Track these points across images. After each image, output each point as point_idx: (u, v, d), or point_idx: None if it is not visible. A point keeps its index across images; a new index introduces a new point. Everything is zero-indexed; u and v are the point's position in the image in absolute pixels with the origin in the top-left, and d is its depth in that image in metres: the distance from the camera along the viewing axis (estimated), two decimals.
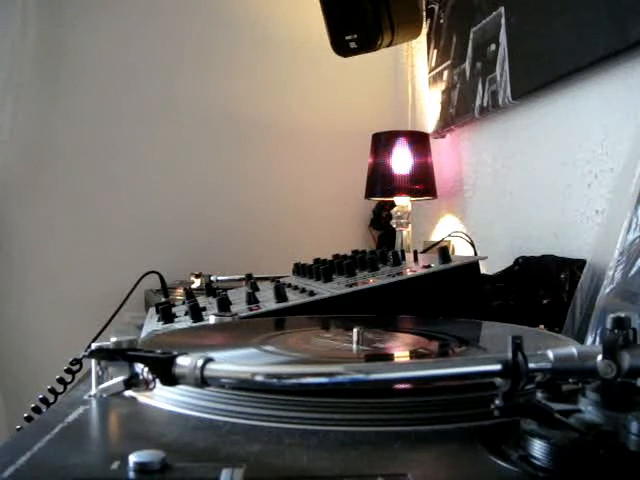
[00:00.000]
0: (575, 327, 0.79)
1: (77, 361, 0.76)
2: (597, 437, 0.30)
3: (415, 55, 1.86)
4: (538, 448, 0.31)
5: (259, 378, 0.35)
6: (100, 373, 0.43)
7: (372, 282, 0.79)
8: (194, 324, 0.73)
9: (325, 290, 0.79)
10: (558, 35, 1.04)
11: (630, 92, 0.92)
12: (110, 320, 1.05)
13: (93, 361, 0.43)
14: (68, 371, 0.76)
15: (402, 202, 1.56)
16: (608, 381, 0.33)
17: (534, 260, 1.02)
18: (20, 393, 1.60)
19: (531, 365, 0.33)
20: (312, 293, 0.78)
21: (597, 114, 1.01)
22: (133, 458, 0.30)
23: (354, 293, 0.76)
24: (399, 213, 1.55)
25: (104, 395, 0.42)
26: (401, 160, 1.54)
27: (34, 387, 0.78)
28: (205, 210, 1.87)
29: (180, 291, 1.27)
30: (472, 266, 0.81)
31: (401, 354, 0.55)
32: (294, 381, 0.35)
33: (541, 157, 1.18)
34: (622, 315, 0.34)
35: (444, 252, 0.80)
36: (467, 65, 1.41)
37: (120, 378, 0.41)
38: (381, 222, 1.88)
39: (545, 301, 0.92)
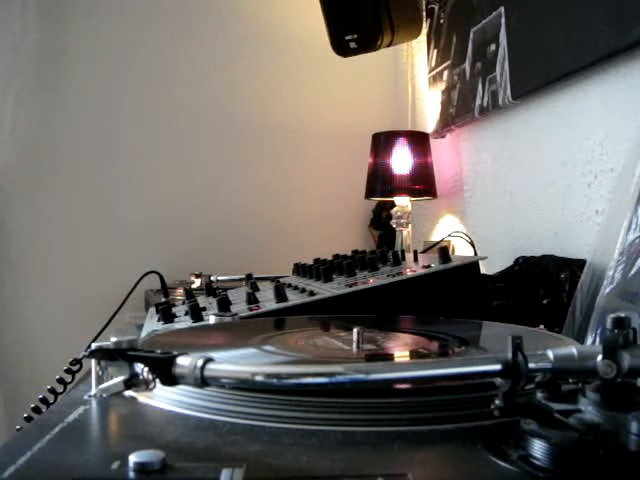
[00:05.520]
0: (575, 327, 0.79)
1: (77, 361, 0.76)
2: (597, 437, 0.30)
3: (415, 55, 1.86)
4: (538, 448, 0.31)
5: (259, 378, 0.35)
6: (100, 373, 0.43)
7: (372, 282, 0.79)
8: (194, 324, 0.73)
9: (325, 290, 0.79)
10: (558, 35, 1.04)
11: (630, 92, 0.92)
12: (110, 320, 1.05)
13: (93, 361, 0.43)
14: (68, 371, 0.76)
15: (402, 202, 1.56)
16: (608, 381, 0.33)
17: (534, 260, 1.02)
18: (20, 393, 1.60)
19: (531, 365, 0.33)
20: (312, 293, 0.78)
21: (597, 114, 1.01)
22: (133, 458, 0.30)
23: (354, 293, 0.76)
24: (399, 213, 1.55)
25: (104, 395, 0.42)
26: (401, 160, 1.54)
27: (34, 387, 0.78)
28: (205, 210, 1.87)
29: (180, 291, 1.27)
30: (472, 266, 0.81)
31: (401, 354, 0.55)
32: (294, 381, 0.35)
33: (541, 157, 1.18)
34: (622, 315, 0.34)
35: (444, 252, 0.80)
36: (467, 65, 1.41)
37: (120, 378, 0.41)
38: (381, 222, 1.88)
39: (545, 301, 0.92)
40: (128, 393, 0.42)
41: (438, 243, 1.40)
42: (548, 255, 1.02)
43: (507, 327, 0.64)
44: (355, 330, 0.54)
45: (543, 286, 0.93)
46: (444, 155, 1.63)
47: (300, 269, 1.01)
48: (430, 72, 1.66)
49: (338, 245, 1.28)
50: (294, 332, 0.62)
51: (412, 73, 1.88)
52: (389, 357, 0.55)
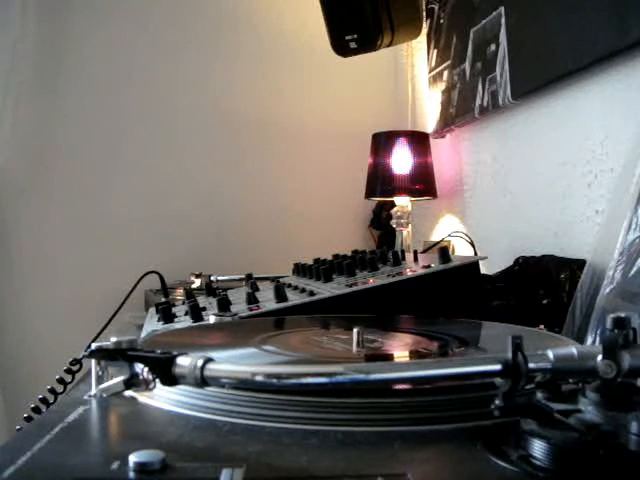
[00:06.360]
0: (575, 327, 0.79)
1: (77, 361, 0.76)
2: (597, 437, 0.30)
3: (415, 55, 1.86)
4: (538, 448, 0.31)
5: (259, 378, 0.35)
6: (100, 373, 0.43)
7: (372, 282, 0.79)
8: (194, 324, 0.73)
9: (325, 290, 0.79)
10: (558, 35, 1.04)
11: (630, 92, 0.92)
12: (110, 320, 1.05)
13: (93, 361, 0.43)
14: (68, 371, 0.76)
15: (402, 202, 1.56)
16: (608, 381, 0.33)
17: (534, 260, 1.02)
18: (20, 393, 1.60)
19: (531, 365, 0.33)
20: (312, 293, 0.78)
21: (597, 114, 1.01)
22: (133, 458, 0.30)
23: (354, 293, 0.76)
24: (399, 213, 1.55)
25: (104, 395, 0.42)
26: (401, 160, 1.54)
27: (34, 387, 0.78)
28: (205, 210, 1.87)
29: (180, 291, 1.27)
30: (472, 266, 0.81)
31: (401, 354, 0.55)
32: (294, 381, 0.35)
33: (541, 157, 1.18)
34: (622, 315, 0.34)
35: (444, 252, 0.80)
36: (467, 65, 1.41)
37: (120, 378, 0.41)
38: (381, 222, 1.88)
39: (545, 301, 0.92)
40: (128, 393, 0.42)
41: (438, 243, 1.40)
42: (548, 255, 1.02)
43: (507, 327, 0.64)
44: (355, 330, 0.54)
45: (543, 286, 0.93)
46: (444, 155, 1.63)
47: (300, 269, 1.01)
48: (430, 72, 1.66)
49: (338, 245, 1.28)
50: (294, 332, 0.62)
51: (412, 73, 1.89)
52: (389, 357, 0.55)
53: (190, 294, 0.93)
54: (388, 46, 1.31)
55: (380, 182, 1.57)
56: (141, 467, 0.29)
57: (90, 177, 1.80)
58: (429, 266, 0.80)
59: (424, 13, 1.61)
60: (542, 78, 1.11)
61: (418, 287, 0.78)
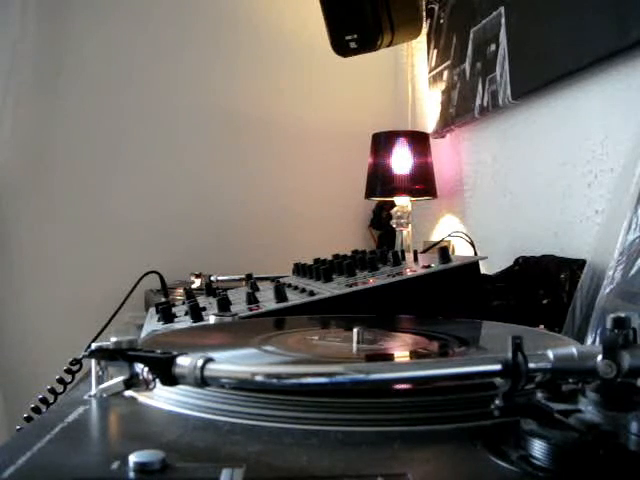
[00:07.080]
0: (575, 327, 0.79)
1: (77, 361, 0.76)
2: (597, 437, 0.30)
3: (415, 55, 1.86)
4: (538, 448, 0.31)
5: (259, 378, 0.35)
6: (100, 373, 0.43)
7: (372, 282, 0.79)
8: (194, 324, 0.73)
9: (325, 290, 0.79)
10: (558, 35, 1.04)
11: (630, 92, 0.92)
12: (110, 320, 1.05)
13: (93, 361, 0.43)
14: (68, 371, 0.76)
15: (402, 202, 1.56)
16: (608, 381, 0.33)
17: (534, 260, 1.02)
18: (20, 393, 1.60)
19: (531, 365, 0.33)
20: (312, 293, 0.78)
21: (597, 114, 1.01)
22: (133, 458, 0.30)
23: (354, 293, 0.76)
24: (399, 213, 1.55)
25: (104, 395, 0.42)
26: (401, 160, 1.54)
27: (34, 387, 0.78)
28: (205, 210, 1.87)
29: (180, 291, 1.27)
30: (472, 266, 0.81)
31: (401, 354, 0.55)
32: (294, 381, 0.35)
33: (541, 157, 1.18)
34: (622, 315, 0.34)
35: (444, 252, 0.80)
36: (467, 65, 1.41)
37: (120, 378, 0.41)
38: (381, 222, 1.88)
39: (545, 301, 0.92)
40: (128, 393, 0.42)
41: (438, 243, 1.40)
42: (548, 255, 1.02)
43: (507, 327, 0.64)
44: (355, 330, 0.54)
45: (543, 286, 0.93)
46: (444, 155, 1.63)
47: (300, 269, 1.01)
48: (430, 72, 1.66)
49: (338, 245, 1.28)
50: (294, 332, 0.62)
51: (412, 73, 1.89)
52: (389, 357, 0.55)
53: (190, 294, 0.93)
54: (388, 46, 1.31)
55: (380, 182, 1.57)
56: (141, 467, 0.29)
57: (90, 177, 1.80)
58: (429, 266, 0.80)
59: (424, 13, 1.61)
60: (542, 78, 1.11)
61: (418, 287, 0.78)
